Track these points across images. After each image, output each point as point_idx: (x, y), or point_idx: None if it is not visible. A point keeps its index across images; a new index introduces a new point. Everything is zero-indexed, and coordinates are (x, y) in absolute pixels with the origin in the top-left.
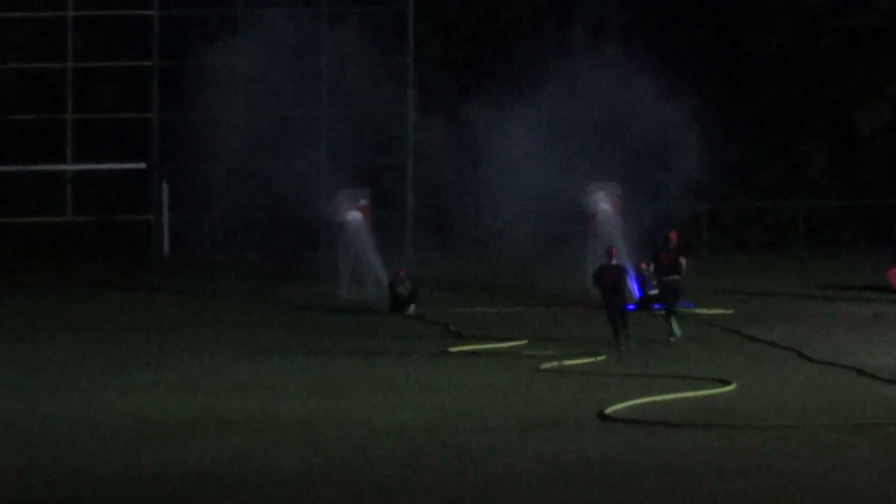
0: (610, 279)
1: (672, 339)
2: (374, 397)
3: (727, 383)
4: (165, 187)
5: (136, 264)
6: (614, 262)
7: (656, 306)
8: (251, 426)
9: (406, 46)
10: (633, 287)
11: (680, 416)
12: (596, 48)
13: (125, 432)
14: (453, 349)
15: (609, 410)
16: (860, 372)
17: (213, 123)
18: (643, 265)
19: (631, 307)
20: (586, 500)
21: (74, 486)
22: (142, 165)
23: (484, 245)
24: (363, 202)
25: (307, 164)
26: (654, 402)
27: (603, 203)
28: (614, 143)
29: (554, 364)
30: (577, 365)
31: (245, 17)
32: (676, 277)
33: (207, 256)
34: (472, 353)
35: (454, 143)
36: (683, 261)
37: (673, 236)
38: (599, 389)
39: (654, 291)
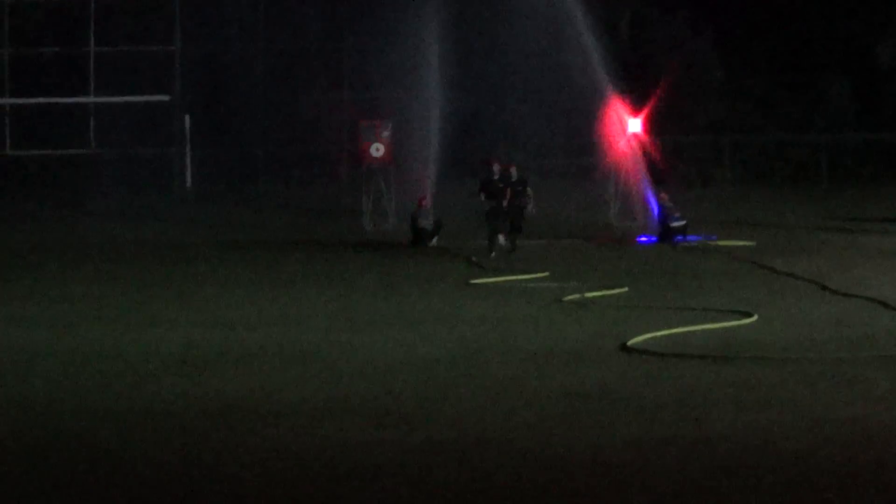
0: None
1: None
2: (396, 330)
3: (748, 315)
4: (187, 120)
5: (158, 197)
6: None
7: (678, 238)
8: (273, 359)
9: None
10: (655, 218)
11: (700, 349)
12: None
13: (146, 366)
14: (475, 281)
15: (630, 342)
16: (882, 304)
17: (235, 55)
18: (664, 196)
19: (653, 239)
20: (608, 430)
21: (99, 419)
22: (164, 98)
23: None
24: (386, 134)
25: (329, 96)
26: (674, 335)
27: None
28: (636, 77)
29: (576, 296)
30: (598, 297)
31: None
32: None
33: (229, 189)
34: (494, 285)
35: (479, 73)
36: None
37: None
38: (621, 322)
39: (677, 224)
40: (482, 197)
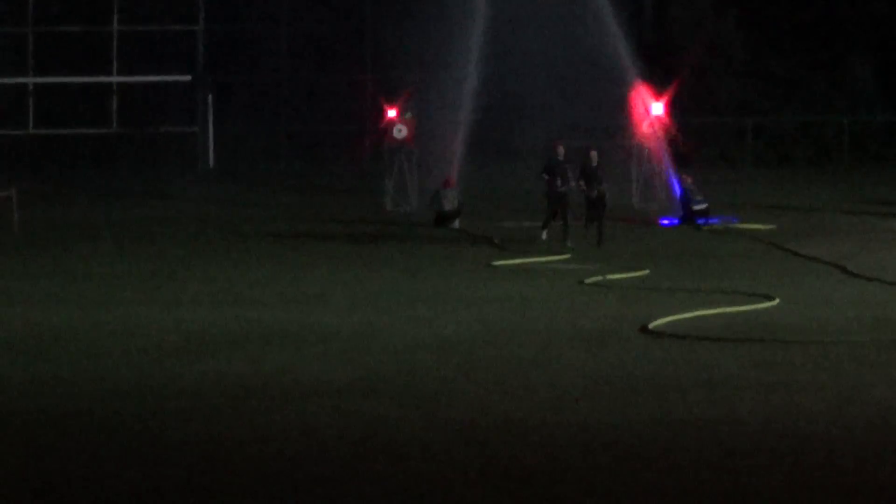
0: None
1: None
2: (417, 310)
3: (770, 298)
4: (210, 99)
5: (180, 176)
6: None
7: (700, 221)
8: (294, 339)
9: None
10: (678, 201)
11: (723, 331)
12: None
13: (168, 345)
14: (497, 263)
15: (652, 325)
16: None
17: (259, 35)
18: (688, 179)
19: (676, 221)
20: (627, 412)
21: (121, 397)
22: (187, 77)
23: (531, 158)
24: (409, 115)
25: (352, 76)
26: (696, 317)
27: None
28: (659, 58)
29: (597, 278)
30: (620, 279)
31: None
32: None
33: (252, 169)
34: (516, 266)
35: (502, 54)
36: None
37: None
38: (642, 304)
39: (699, 206)
40: (546, 178)
